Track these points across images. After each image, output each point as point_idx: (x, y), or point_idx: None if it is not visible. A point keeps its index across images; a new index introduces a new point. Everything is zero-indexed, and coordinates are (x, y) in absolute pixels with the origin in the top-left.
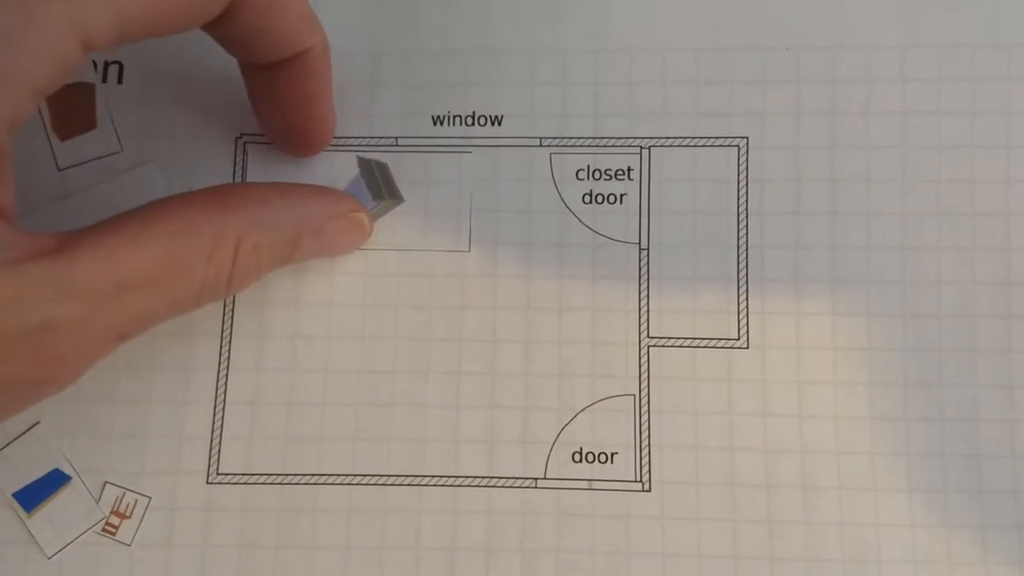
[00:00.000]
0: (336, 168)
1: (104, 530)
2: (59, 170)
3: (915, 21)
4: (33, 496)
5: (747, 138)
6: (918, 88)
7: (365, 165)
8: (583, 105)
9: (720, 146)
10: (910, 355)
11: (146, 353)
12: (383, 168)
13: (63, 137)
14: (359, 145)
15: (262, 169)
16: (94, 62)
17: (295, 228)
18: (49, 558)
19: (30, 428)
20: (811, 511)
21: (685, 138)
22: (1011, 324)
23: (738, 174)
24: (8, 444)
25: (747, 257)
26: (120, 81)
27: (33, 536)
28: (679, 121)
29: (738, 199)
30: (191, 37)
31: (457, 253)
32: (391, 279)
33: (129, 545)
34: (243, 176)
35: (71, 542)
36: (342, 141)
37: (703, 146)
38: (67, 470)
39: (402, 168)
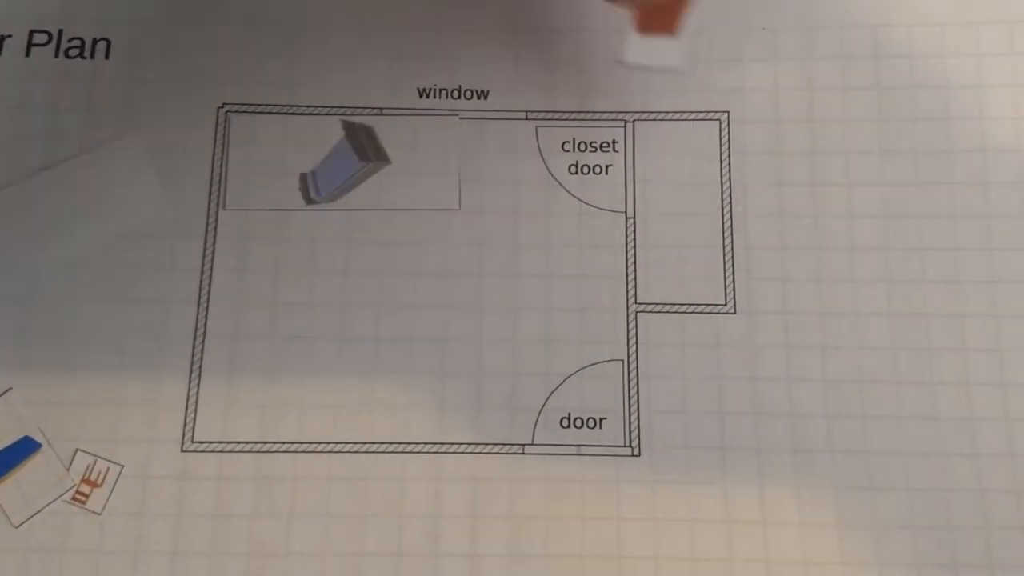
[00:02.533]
0: (320, 132)
1: (74, 499)
2: None
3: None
4: (2, 464)
5: (728, 112)
6: (891, 64)
7: (350, 128)
8: (568, 80)
9: (702, 120)
10: (896, 319)
11: (121, 319)
12: (368, 131)
13: None
14: (343, 114)
15: (244, 140)
16: (81, 39)
17: None
18: (16, 527)
19: (2, 395)
20: (802, 473)
21: (669, 112)
22: (996, 289)
23: (720, 146)
24: None
25: (732, 225)
26: (107, 57)
27: (0, 504)
28: (662, 96)
29: (721, 170)
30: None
31: (447, 212)
32: (374, 246)
33: (100, 514)
34: (225, 147)
35: (40, 511)
36: (325, 109)
37: (686, 119)
38: (38, 437)
39: (388, 132)
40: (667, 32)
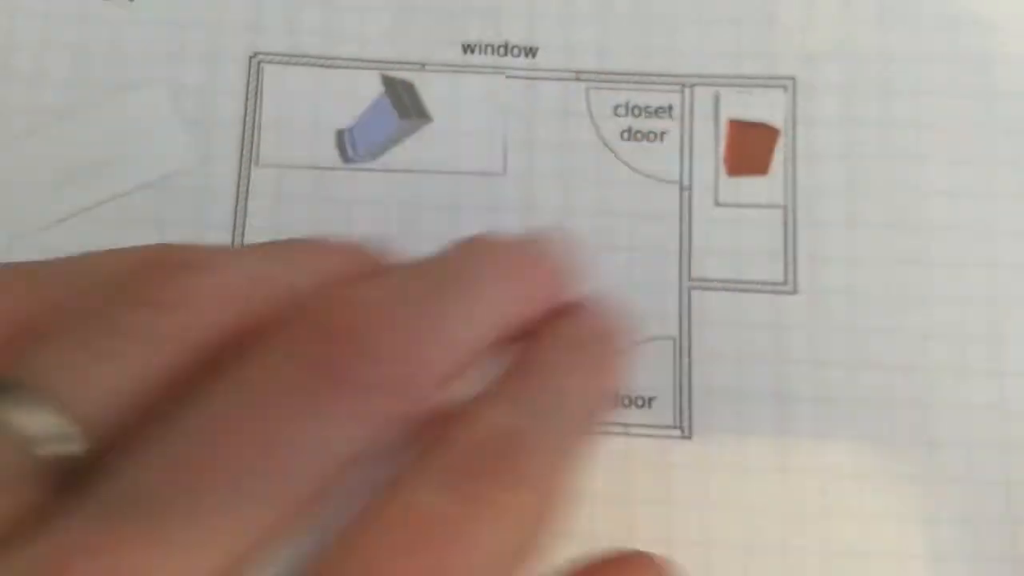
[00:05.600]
0: (359, 87)
1: None
2: None
3: None
4: None
5: (795, 78)
6: (968, 32)
7: (390, 83)
8: (623, 39)
9: (767, 86)
10: (967, 304)
11: None
12: (409, 87)
13: None
14: (383, 68)
15: (279, 91)
16: None
17: None
18: None
19: None
20: (863, 462)
21: (730, 76)
22: None
23: (785, 115)
24: None
25: (795, 199)
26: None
27: None
28: (724, 60)
29: (785, 140)
30: None
31: (491, 176)
32: (413, 208)
33: None
34: (258, 99)
35: None
36: (364, 64)
37: (749, 85)
38: None
39: (430, 88)
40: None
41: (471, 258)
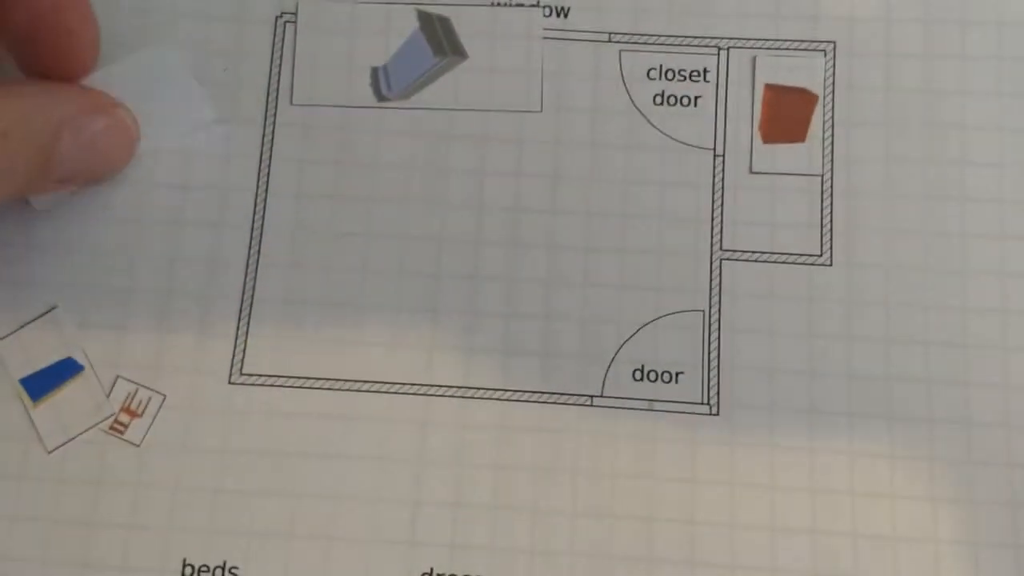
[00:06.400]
0: (393, 23)
1: (112, 428)
2: None
3: None
4: (41, 384)
5: (834, 42)
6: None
7: (426, 19)
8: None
9: (806, 50)
10: (1009, 280)
11: (171, 243)
12: (445, 22)
13: None
14: (418, 3)
15: (311, 28)
16: None
17: (49, 116)
18: (49, 452)
19: (47, 312)
20: (897, 442)
21: (768, 39)
22: None
23: (824, 80)
24: (23, 327)
25: (832, 167)
26: None
27: (35, 427)
28: (762, 22)
29: (823, 106)
30: None
31: (527, 114)
32: (444, 141)
33: (138, 446)
34: (282, 57)
35: (74, 437)
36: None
37: (787, 49)
38: (80, 360)
39: (465, 24)
40: (795, 139)
41: None
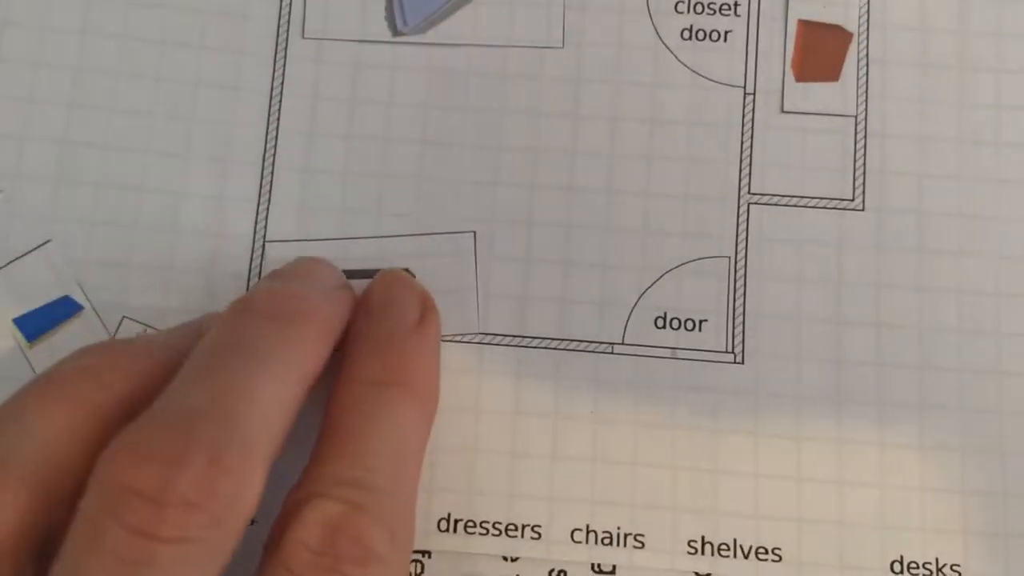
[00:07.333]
0: None
1: None
2: None
3: None
4: (37, 324)
5: None
6: None
7: None
8: None
9: None
10: None
11: (177, 180)
12: None
13: None
14: None
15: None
16: None
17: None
18: None
19: (39, 246)
20: (927, 393)
21: None
22: None
23: (859, 16)
24: (12, 262)
25: (867, 108)
26: None
27: (33, 368)
28: None
29: (858, 44)
30: None
31: (547, 50)
32: (461, 78)
33: None
34: (289, 20)
35: None
36: None
37: None
38: (79, 299)
39: None
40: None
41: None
